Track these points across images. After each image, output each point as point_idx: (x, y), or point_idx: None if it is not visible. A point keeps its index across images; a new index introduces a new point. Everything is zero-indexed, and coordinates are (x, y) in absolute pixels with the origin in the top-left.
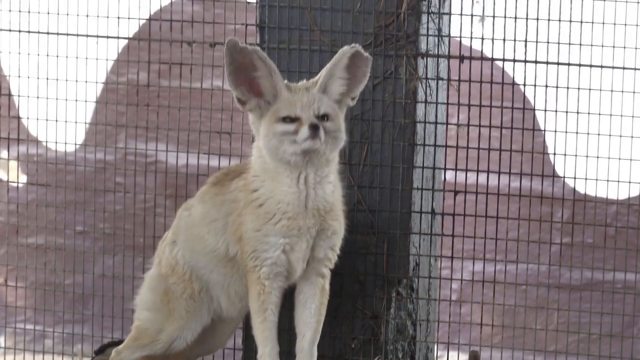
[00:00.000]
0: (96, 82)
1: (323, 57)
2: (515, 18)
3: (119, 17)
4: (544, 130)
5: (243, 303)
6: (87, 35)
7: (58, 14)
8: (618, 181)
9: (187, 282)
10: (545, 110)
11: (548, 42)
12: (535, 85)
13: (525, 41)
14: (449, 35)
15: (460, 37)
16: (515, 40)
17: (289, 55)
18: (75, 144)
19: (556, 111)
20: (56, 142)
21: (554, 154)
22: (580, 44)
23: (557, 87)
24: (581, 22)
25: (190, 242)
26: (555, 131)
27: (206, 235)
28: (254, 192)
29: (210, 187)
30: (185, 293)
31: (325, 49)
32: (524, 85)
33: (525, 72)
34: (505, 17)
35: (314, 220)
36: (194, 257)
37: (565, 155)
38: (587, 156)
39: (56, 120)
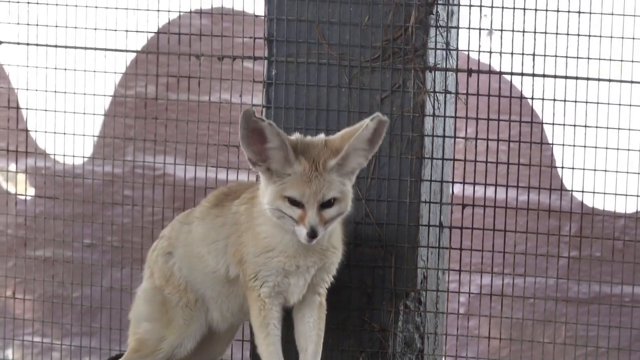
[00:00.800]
0: (104, 95)
1: (331, 70)
2: (523, 32)
3: (127, 30)
4: (552, 144)
5: (235, 318)
6: (96, 49)
7: (66, 27)
8: (626, 195)
9: (182, 292)
10: (553, 124)
11: (556, 56)
12: (543, 99)
13: (533, 55)
14: (457, 49)
15: (469, 50)
16: (523, 53)
17: (297, 69)
18: (84, 157)
19: (564, 125)
20: (64, 155)
21: (562, 167)
22: (588, 58)
23: (565, 100)
24: (589, 35)
25: (189, 259)
26: (563, 145)
27: (206, 256)
28: (258, 226)
29: (211, 208)
30: (182, 302)
31: (334, 62)
32: (532, 98)
33: (533, 85)
34: (513, 30)
35: (314, 259)
36: (192, 273)
37: (573, 168)
38: (595, 170)
39: (64, 133)
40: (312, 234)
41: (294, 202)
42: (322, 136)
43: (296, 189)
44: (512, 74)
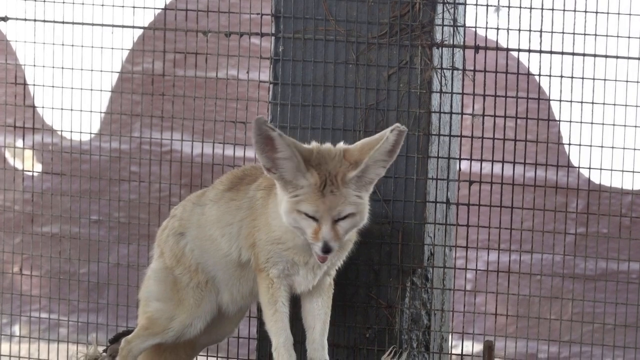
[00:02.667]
0: (111, 72)
1: (338, 46)
2: (531, 8)
3: (134, 7)
4: (559, 121)
5: (244, 301)
6: (103, 25)
7: (73, 3)
8: (633, 171)
9: (193, 273)
10: (560, 101)
11: (563, 33)
12: (550, 76)
13: (541, 31)
14: (464, 26)
15: (476, 27)
16: (530, 30)
17: (304, 45)
18: (91, 133)
19: (571, 101)
20: (71, 131)
21: (569, 144)
22: (596, 35)
23: (572, 77)
24: (596, 12)
25: (202, 241)
26: (570, 121)
27: (219, 239)
28: (272, 219)
29: (226, 191)
30: (192, 283)
31: (341, 38)
32: (539, 75)
33: (540, 62)
34: (520, 7)
35: None
36: (203, 255)
37: (580, 145)
38: (602, 146)
39: (71, 110)
40: (326, 250)
41: (309, 216)
42: (341, 145)
43: (310, 205)
44: (519, 50)
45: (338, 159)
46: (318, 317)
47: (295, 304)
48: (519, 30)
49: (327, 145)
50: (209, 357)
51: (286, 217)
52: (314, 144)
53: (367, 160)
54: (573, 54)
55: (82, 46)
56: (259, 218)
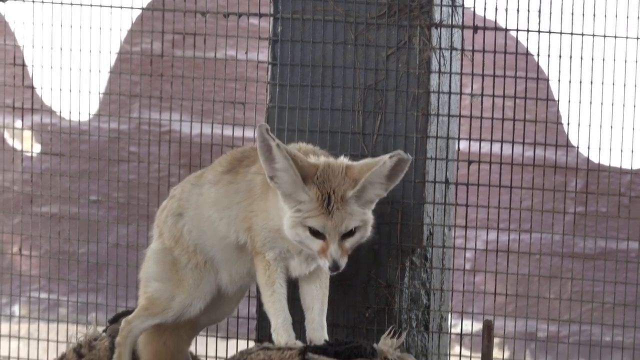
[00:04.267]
0: (110, 52)
1: (337, 27)
2: None
3: None
4: (558, 100)
5: (243, 281)
6: (101, 5)
7: None
8: (632, 150)
9: (191, 254)
10: (559, 80)
11: (562, 12)
12: (549, 55)
13: (539, 11)
14: (462, 5)
15: (474, 7)
16: (529, 10)
17: (302, 26)
18: (89, 114)
19: (570, 81)
20: (70, 112)
21: (568, 123)
22: (594, 14)
23: (570, 57)
24: None
25: (200, 222)
26: (569, 101)
27: (218, 222)
28: (270, 210)
29: (224, 173)
30: (191, 263)
31: (339, 19)
32: (538, 55)
33: (539, 42)
34: None
35: None
36: (201, 236)
37: (579, 124)
38: (600, 126)
39: (70, 90)
40: (335, 268)
41: (316, 233)
42: (344, 161)
43: (317, 221)
44: (517, 30)
45: (341, 176)
46: (316, 297)
47: (294, 285)
48: (518, 10)
49: (333, 160)
50: (208, 337)
51: (289, 231)
52: (322, 159)
53: (364, 181)
54: (572, 33)
55: (80, 27)
56: (256, 202)
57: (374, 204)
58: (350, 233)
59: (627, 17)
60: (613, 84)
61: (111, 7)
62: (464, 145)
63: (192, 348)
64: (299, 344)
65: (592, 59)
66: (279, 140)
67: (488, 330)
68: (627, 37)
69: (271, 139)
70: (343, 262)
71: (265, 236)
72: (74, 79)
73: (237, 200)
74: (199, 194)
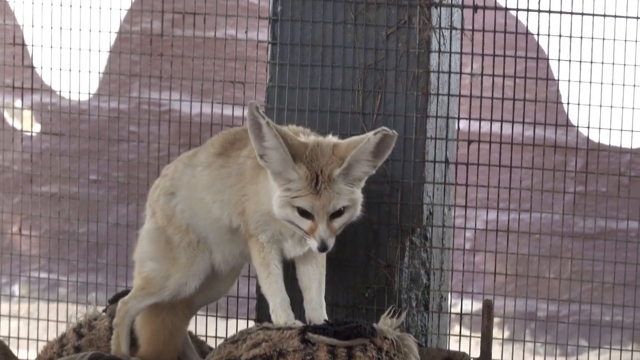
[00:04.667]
0: (110, 32)
1: (337, 6)
2: None
3: None
4: (558, 80)
5: (236, 261)
6: None
7: None
8: (632, 130)
9: (184, 233)
10: (559, 60)
11: None
12: (549, 35)
13: None
14: None
15: None
16: None
17: (302, 5)
18: (89, 93)
19: (570, 61)
20: (70, 92)
21: (568, 103)
22: None
23: (570, 36)
24: None
25: (192, 203)
26: (569, 80)
27: (211, 204)
28: (261, 194)
29: (217, 156)
30: (184, 242)
31: None
32: (538, 34)
33: (539, 21)
34: None
35: None
36: (194, 217)
37: (579, 104)
38: (600, 105)
39: (70, 70)
40: (323, 248)
41: (304, 213)
42: (331, 139)
43: (305, 201)
44: (517, 9)
45: (328, 155)
46: (313, 277)
47: (293, 266)
48: None
49: (322, 139)
50: (208, 317)
51: (278, 210)
52: (311, 138)
53: (350, 159)
54: (572, 13)
55: (80, 6)
56: (247, 186)
57: (363, 182)
58: (338, 213)
59: None
60: (613, 64)
61: None
62: (463, 124)
63: (191, 327)
64: (299, 323)
65: (592, 38)
66: (270, 118)
67: (488, 309)
68: (627, 17)
69: (261, 117)
70: (331, 242)
71: (257, 219)
72: (73, 59)
73: (229, 184)
74: (192, 174)
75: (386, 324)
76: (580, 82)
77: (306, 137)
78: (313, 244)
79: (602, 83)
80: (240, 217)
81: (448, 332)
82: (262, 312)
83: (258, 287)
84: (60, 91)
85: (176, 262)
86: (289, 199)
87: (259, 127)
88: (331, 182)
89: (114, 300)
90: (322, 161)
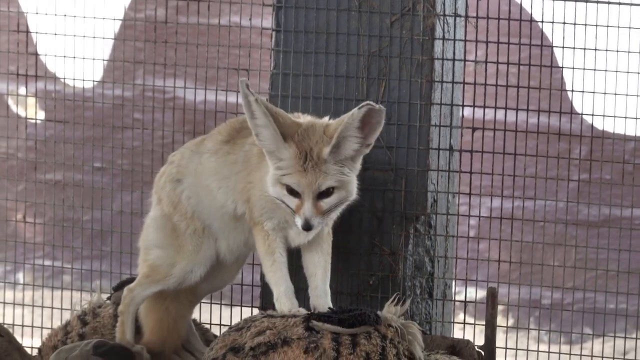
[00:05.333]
0: (114, 19)
1: None
2: None
3: None
4: (562, 67)
5: (240, 251)
6: None
7: None
8: (636, 118)
9: (189, 220)
10: (563, 47)
11: None
12: (553, 22)
13: None
14: None
15: None
16: None
17: None
18: (94, 81)
19: (574, 48)
20: (74, 79)
21: (572, 90)
22: None
23: (575, 23)
24: None
25: (198, 190)
26: (573, 68)
27: (216, 191)
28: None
29: (223, 143)
30: (189, 229)
31: None
32: (542, 22)
33: (543, 8)
34: None
35: (318, 219)
36: (199, 204)
37: (583, 92)
38: (605, 93)
39: (74, 57)
40: (306, 226)
41: (292, 191)
42: (325, 120)
43: (292, 178)
44: None
45: (319, 134)
46: (318, 264)
47: (297, 253)
48: None
49: (317, 120)
50: (213, 304)
51: (271, 189)
52: (308, 118)
53: (337, 136)
54: (576, 0)
55: None
56: (253, 173)
57: (357, 164)
58: (326, 193)
59: None
60: (617, 51)
61: None
62: (468, 112)
63: (196, 315)
64: (303, 311)
65: (597, 26)
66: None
67: (492, 297)
68: (631, 4)
69: (250, 94)
70: (316, 222)
71: (262, 206)
72: (78, 46)
73: (235, 170)
74: (199, 162)
75: (390, 311)
76: (584, 69)
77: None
78: (298, 221)
79: (606, 70)
80: (246, 204)
81: (452, 320)
82: (266, 299)
83: (262, 275)
84: (64, 78)
85: (182, 250)
86: (278, 176)
87: (250, 105)
88: (320, 161)
89: (118, 287)
90: (313, 140)
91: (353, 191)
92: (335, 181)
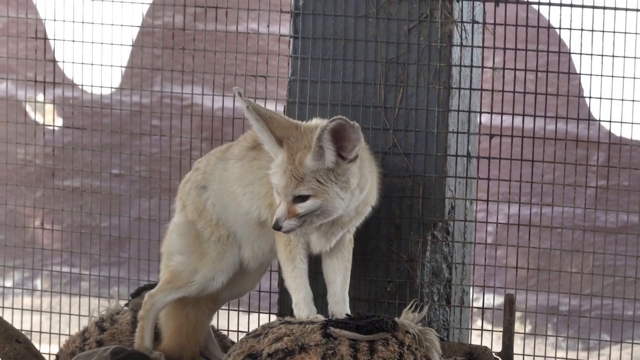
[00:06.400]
0: (132, 26)
1: (358, 0)
2: None
3: None
4: (580, 74)
5: (265, 257)
6: None
7: None
8: None
9: (214, 227)
10: (581, 54)
11: None
12: (570, 29)
13: None
14: None
15: None
16: None
17: None
18: (111, 87)
19: (592, 54)
20: (92, 86)
21: (590, 97)
22: None
23: (592, 30)
24: None
25: (224, 196)
26: (591, 74)
27: (241, 197)
28: None
29: (249, 149)
30: (214, 237)
31: None
32: (560, 28)
33: (560, 15)
34: None
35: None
36: (224, 211)
37: (600, 98)
38: (622, 99)
39: (92, 64)
40: (275, 225)
41: (276, 190)
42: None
43: (274, 178)
44: (539, 3)
45: (308, 140)
46: (338, 271)
47: (317, 259)
48: None
49: (315, 123)
50: (230, 311)
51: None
52: (312, 122)
53: (313, 145)
54: (593, 7)
55: (102, 0)
56: None
57: (343, 176)
58: (302, 198)
59: None
60: (635, 57)
61: None
62: (485, 118)
63: (214, 322)
64: (321, 318)
65: (614, 32)
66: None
67: (510, 304)
68: None
69: (243, 101)
70: (287, 224)
71: None
72: (96, 53)
73: (259, 176)
74: (224, 168)
75: (408, 318)
76: (602, 76)
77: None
78: (273, 219)
79: (623, 77)
80: (268, 209)
81: (470, 327)
82: (283, 306)
83: (280, 282)
84: (82, 85)
85: (204, 257)
86: (270, 175)
87: (246, 112)
88: (300, 166)
89: (136, 294)
90: (301, 145)
91: (333, 206)
92: (309, 189)
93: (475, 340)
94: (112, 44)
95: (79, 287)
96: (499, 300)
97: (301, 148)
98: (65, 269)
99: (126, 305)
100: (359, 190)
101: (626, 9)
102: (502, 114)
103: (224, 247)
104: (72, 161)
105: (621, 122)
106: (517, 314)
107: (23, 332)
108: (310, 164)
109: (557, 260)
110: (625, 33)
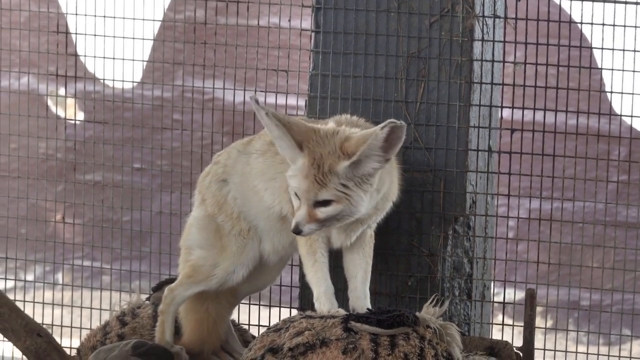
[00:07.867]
0: (154, 20)
1: None
2: None
3: None
4: (601, 68)
5: (285, 252)
6: None
7: None
8: None
9: (235, 221)
10: (603, 48)
11: None
12: (592, 23)
13: None
14: None
15: None
16: None
17: None
18: (133, 82)
19: (613, 49)
20: (114, 80)
21: (611, 92)
22: None
23: (614, 25)
24: None
25: (245, 191)
26: (612, 69)
27: (263, 192)
28: None
29: (272, 144)
30: (234, 230)
31: None
32: (581, 23)
33: (582, 9)
34: None
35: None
36: (246, 204)
37: (622, 93)
38: None
39: (114, 58)
40: (295, 230)
41: (295, 194)
42: (344, 130)
43: (294, 182)
44: None
45: (332, 145)
46: (359, 266)
47: (337, 254)
48: None
49: (338, 129)
50: (251, 305)
51: (289, 190)
52: (329, 125)
53: (358, 154)
54: (615, 1)
55: None
56: None
57: (371, 179)
58: (324, 203)
59: None
60: None
61: None
62: (506, 113)
63: (234, 316)
64: (342, 312)
65: (636, 27)
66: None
67: (531, 299)
68: None
69: (260, 109)
70: (306, 229)
71: None
72: (117, 47)
73: (281, 170)
74: (246, 162)
75: (429, 312)
76: (623, 70)
77: (349, 129)
78: (293, 223)
79: None
80: (290, 204)
81: (491, 321)
82: (304, 300)
83: (301, 276)
84: (104, 79)
85: (225, 251)
86: (288, 177)
87: (262, 119)
88: (328, 172)
89: (158, 288)
90: (325, 150)
91: (358, 209)
92: (332, 195)
93: (496, 334)
94: (133, 38)
95: (100, 281)
96: (520, 295)
97: (325, 153)
98: (87, 263)
99: (147, 299)
100: (377, 192)
101: None
102: (523, 108)
103: (245, 240)
104: (93, 155)
105: None
106: (538, 309)
107: (44, 326)
108: (342, 171)
109: (578, 255)
110: None
